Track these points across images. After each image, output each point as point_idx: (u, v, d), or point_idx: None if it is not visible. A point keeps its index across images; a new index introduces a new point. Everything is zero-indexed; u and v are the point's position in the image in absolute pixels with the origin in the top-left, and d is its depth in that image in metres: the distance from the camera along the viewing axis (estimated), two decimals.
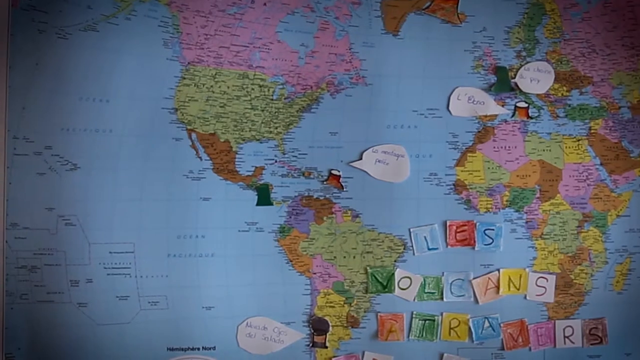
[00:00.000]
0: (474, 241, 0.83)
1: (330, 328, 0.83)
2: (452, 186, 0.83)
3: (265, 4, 0.82)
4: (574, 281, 0.84)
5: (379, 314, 0.83)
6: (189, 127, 0.81)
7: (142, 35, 0.79)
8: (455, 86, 0.83)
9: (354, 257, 0.83)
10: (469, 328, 0.83)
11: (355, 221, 0.83)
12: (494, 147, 0.84)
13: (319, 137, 0.82)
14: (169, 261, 0.80)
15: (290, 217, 0.82)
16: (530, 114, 0.84)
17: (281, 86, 0.82)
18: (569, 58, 0.84)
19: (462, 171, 0.84)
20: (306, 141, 0.82)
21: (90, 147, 0.78)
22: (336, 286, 0.83)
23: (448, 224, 0.83)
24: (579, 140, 0.84)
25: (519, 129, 0.84)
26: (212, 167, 0.81)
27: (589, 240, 0.84)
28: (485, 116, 0.84)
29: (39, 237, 0.78)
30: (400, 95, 0.83)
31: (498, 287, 0.83)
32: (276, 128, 0.82)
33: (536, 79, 0.84)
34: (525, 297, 0.84)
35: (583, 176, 0.84)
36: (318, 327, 0.83)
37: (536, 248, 0.84)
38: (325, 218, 0.83)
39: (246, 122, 0.82)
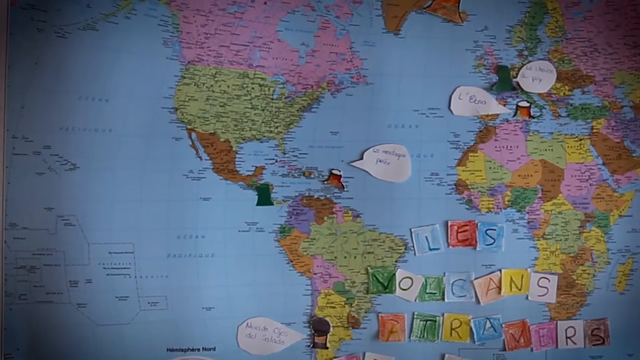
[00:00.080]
0: (476, 241, 0.83)
1: (331, 329, 0.83)
2: (454, 186, 0.83)
3: (265, 3, 0.81)
4: (576, 281, 0.84)
5: (380, 314, 0.83)
6: (188, 127, 0.80)
7: (142, 34, 0.79)
8: (457, 85, 0.83)
9: (355, 257, 0.83)
10: (471, 329, 0.83)
11: (356, 221, 0.83)
12: (496, 147, 0.83)
13: (320, 136, 0.82)
14: (169, 261, 0.80)
15: (291, 217, 0.82)
16: (532, 114, 0.84)
17: (281, 85, 0.82)
18: (571, 57, 0.84)
19: (463, 171, 0.83)
20: (307, 141, 0.82)
21: (90, 146, 0.78)
22: (337, 286, 0.83)
23: (449, 224, 0.83)
24: (581, 140, 0.84)
25: (521, 128, 0.84)
26: (212, 166, 0.81)
27: (591, 240, 0.84)
28: (487, 116, 0.83)
29: (38, 237, 0.78)
30: (401, 94, 0.83)
31: (500, 288, 0.83)
32: (276, 127, 0.82)
33: (538, 78, 0.84)
34: (527, 298, 0.84)
35: (585, 176, 0.84)
36: (319, 327, 0.83)
37: (538, 248, 0.84)
38: (326, 218, 0.82)
39: (246, 122, 0.81)
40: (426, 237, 0.83)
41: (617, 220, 0.84)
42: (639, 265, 0.84)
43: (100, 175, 0.78)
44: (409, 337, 0.83)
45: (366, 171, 0.82)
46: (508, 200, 0.83)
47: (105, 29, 0.78)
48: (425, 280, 0.83)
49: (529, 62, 0.84)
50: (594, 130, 0.84)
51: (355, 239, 0.83)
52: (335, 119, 0.82)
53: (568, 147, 0.84)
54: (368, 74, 0.83)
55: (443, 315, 0.83)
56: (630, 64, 0.84)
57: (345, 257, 0.83)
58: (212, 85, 0.81)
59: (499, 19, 0.83)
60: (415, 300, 0.83)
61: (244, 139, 0.81)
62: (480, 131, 0.83)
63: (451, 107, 0.83)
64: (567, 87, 0.84)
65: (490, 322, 0.83)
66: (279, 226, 0.82)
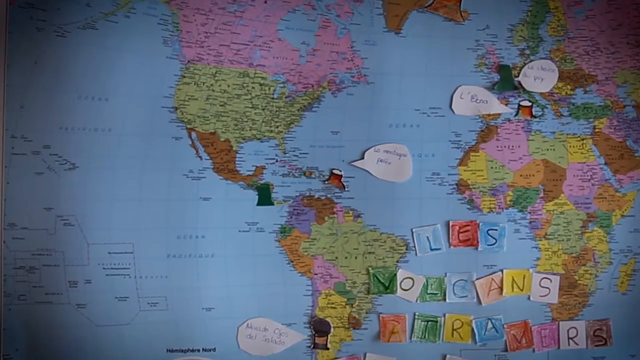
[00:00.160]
0: (477, 241, 0.83)
1: (332, 329, 0.82)
2: (455, 186, 0.83)
3: (266, 2, 0.81)
4: (578, 282, 0.84)
5: (380, 315, 0.83)
6: (188, 126, 0.80)
7: (142, 33, 0.79)
8: (458, 85, 0.83)
9: (356, 257, 0.83)
10: (472, 329, 0.83)
11: (357, 221, 0.82)
12: (497, 147, 0.83)
13: (320, 136, 0.82)
14: (169, 262, 0.80)
15: (291, 217, 0.82)
16: (533, 113, 0.83)
17: (282, 85, 0.82)
18: (573, 56, 0.84)
19: (465, 171, 0.83)
20: (307, 140, 0.82)
21: (89, 146, 0.78)
22: (338, 287, 0.83)
23: (451, 224, 0.83)
24: (583, 140, 0.84)
25: (523, 128, 0.83)
26: (212, 166, 0.80)
27: (593, 240, 0.84)
28: (489, 115, 0.83)
29: (37, 237, 0.77)
30: (403, 93, 0.82)
31: (501, 288, 0.83)
32: (277, 127, 0.82)
33: (540, 77, 0.83)
34: (528, 298, 0.83)
35: (587, 176, 0.84)
36: (319, 328, 0.82)
37: (540, 248, 0.83)
38: (326, 218, 0.82)
39: (247, 121, 0.81)
40: (427, 237, 0.83)
41: (620, 221, 0.84)
42: None
43: (99, 175, 0.78)
44: (410, 337, 0.83)
45: (367, 171, 0.82)
46: (510, 200, 0.83)
47: (105, 28, 0.78)
48: (427, 281, 0.83)
49: (531, 61, 0.83)
50: (596, 130, 0.84)
51: (356, 239, 0.82)
52: (336, 119, 0.82)
53: (570, 146, 0.84)
54: (369, 73, 0.82)
55: (444, 315, 0.83)
56: (633, 63, 0.83)
57: (346, 258, 0.82)
58: (212, 85, 0.81)
59: (501, 17, 0.83)
60: (417, 300, 0.83)
61: (244, 139, 0.81)
62: (482, 131, 0.83)
63: (452, 107, 0.83)
64: (569, 87, 0.84)
65: (491, 323, 0.83)
66: (280, 226, 0.82)
